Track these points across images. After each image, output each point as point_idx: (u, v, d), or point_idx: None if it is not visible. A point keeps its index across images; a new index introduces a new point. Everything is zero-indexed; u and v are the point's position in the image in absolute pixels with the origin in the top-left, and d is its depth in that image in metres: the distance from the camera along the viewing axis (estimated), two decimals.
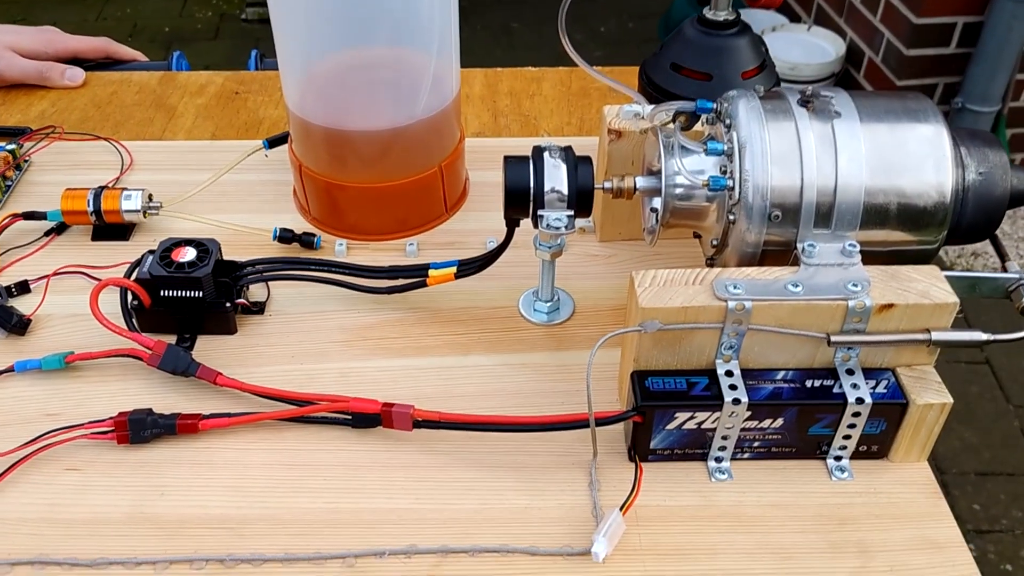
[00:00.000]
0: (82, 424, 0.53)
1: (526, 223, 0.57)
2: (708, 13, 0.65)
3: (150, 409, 0.54)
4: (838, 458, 0.53)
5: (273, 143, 0.72)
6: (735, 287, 0.49)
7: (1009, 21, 1.88)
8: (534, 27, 2.74)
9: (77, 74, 0.87)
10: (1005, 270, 0.53)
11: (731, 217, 0.52)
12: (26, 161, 0.75)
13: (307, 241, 0.66)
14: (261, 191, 0.73)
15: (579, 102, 0.86)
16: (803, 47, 2.20)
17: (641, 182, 0.55)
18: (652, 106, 0.61)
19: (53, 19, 2.71)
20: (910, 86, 2.04)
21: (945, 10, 1.93)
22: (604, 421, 0.50)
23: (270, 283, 0.63)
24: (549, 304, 0.62)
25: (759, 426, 0.51)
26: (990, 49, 1.94)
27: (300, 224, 0.69)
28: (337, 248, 0.67)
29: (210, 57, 2.57)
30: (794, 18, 2.42)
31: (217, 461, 0.53)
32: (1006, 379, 1.71)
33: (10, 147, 0.73)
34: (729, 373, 0.51)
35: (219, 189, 0.70)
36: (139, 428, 0.53)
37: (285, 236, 0.66)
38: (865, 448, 0.52)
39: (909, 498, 0.51)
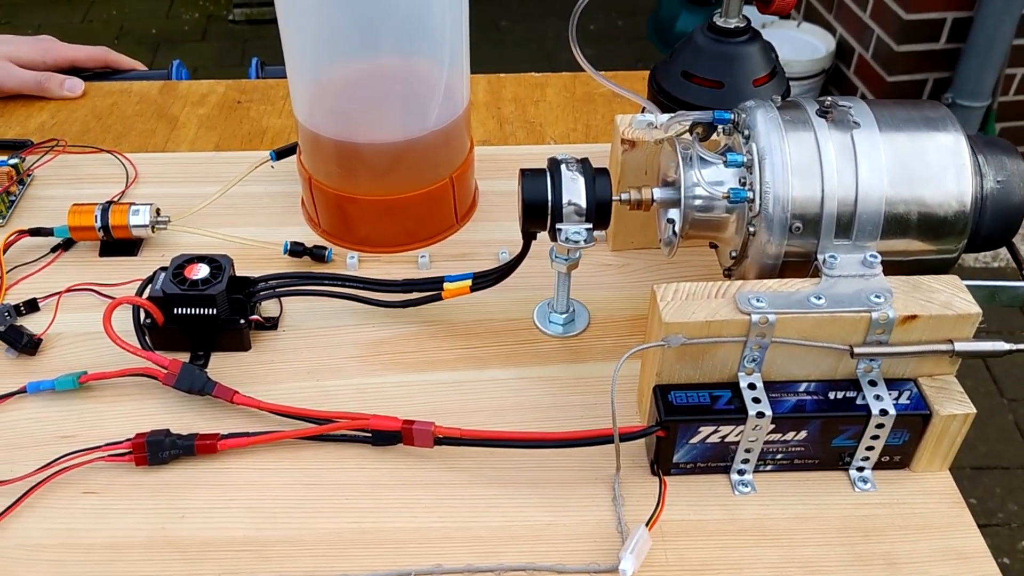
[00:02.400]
0: (99, 446, 0.52)
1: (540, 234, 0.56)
2: (718, 20, 0.64)
3: (168, 430, 0.53)
4: (860, 469, 0.53)
5: (280, 154, 0.71)
6: (758, 300, 0.49)
7: (998, 16, 1.89)
8: (523, 24, 2.73)
9: (76, 84, 0.86)
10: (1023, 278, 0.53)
11: (751, 229, 0.52)
12: (29, 176, 0.74)
13: (318, 254, 0.66)
14: (269, 203, 0.72)
15: (584, 108, 0.85)
16: (793, 44, 2.21)
17: (659, 194, 0.55)
18: (666, 116, 0.60)
19: (38, 22, 2.69)
20: (900, 82, 2.05)
21: (935, 6, 1.94)
22: (628, 436, 0.50)
23: (283, 298, 0.62)
24: (564, 316, 0.62)
25: (782, 438, 0.51)
26: (980, 44, 1.95)
27: (309, 237, 0.69)
28: (349, 261, 0.66)
29: (198, 59, 2.55)
30: (783, 16, 2.42)
31: (237, 482, 0.52)
32: (1000, 374, 1.72)
33: (13, 161, 0.72)
34: (752, 386, 0.50)
35: (226, 202, 0.69)
36: (157, 450, 0.52)
37: (296, 250, 0.66)
38: (887, 459, 0.52)
39: (932, 508, 0.51)
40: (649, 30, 2.65)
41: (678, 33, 2.51)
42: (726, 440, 0.51)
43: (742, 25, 0.64)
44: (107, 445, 0.52)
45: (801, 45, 2.21)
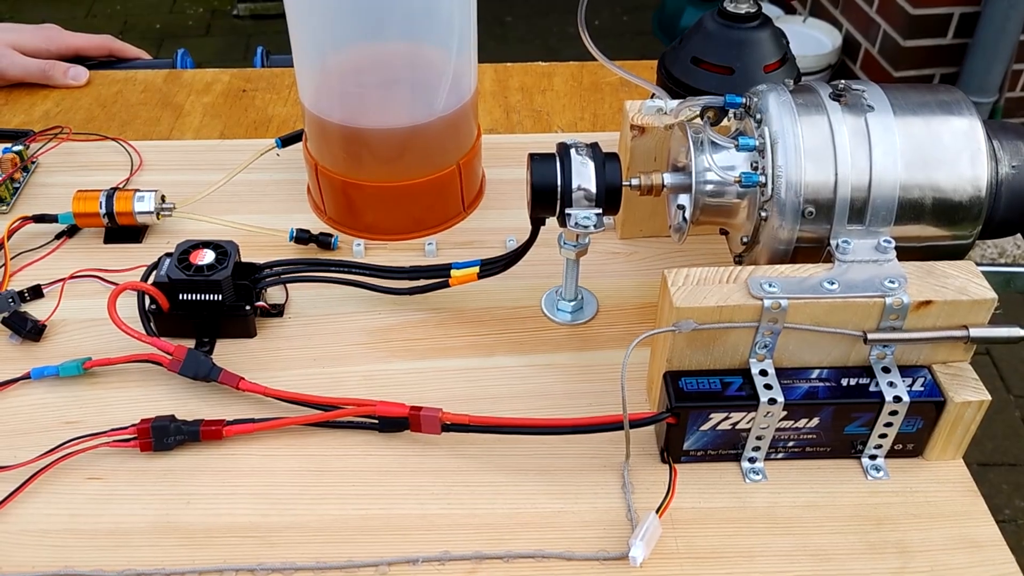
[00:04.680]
0: (103, 432, 0.52)
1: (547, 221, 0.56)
2: (729, 5, 0.64)
3: (173, 416, 0.52)
4: (873, 457, 0.52)
5: (286, 142, 0.71)
6: (770, 285, 0.48)
7: (1006, 11, 1.88)
8: (527, 20, 2.73)
9: (80, 73, 0.85)
10: None
11: (763, 214, 0.51)
12: (33, 163, 0.74)
13: (324, 241, 0.65)
14: (274, 191, 0.72)
15: (591, 97, 0.85)
16: (799, 39, 2.20)
17: (669, 179, 0.55)
18: (675, 101, 0.60)
19: (41, 16, 2.69)
20: (907, 77, 2.04)
21: (942, 0, 1.93)
22: (639, 423, 0.50)
23: (288, 285, 0.62)
24: (573, 303, 0.61)
25: (794, 426, 0.50)
26: (987, 39, 1.94)
27: (315, 224, 0.68)
28: (355, 248, 0.66)
29: (202, 54, 2.54)
30: (789, 10, 2.41)
31: (242, 468, 0.52)
32: (1007, 370, 1.71)
33: (17, 148, 0.71)
34: (764, 372, 0.50)
35: (231, 189, 0.69)
36: (163, 435, 0.51)
37: (302, 237, 0.65)
38: (900, 447, 0.51)
39: (946, 497, 0.50)
40: (654, 26, 2.64)
41: (683, 28, 2.50)
42: (737, 427, 0.50)
43: (753, 10, 0.64)
44: (112, 431, 0.52)
45: (807, 40, 2.20)
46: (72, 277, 0.62)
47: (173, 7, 2.79)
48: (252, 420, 0.53)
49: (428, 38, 0.62)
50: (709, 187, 0.53)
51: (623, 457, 0.51)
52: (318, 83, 0.64)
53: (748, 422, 0.50)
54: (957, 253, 0.52)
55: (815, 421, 0.50)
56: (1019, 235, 0.54)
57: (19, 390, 0.56)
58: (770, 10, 2.30)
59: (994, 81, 1.98)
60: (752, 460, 0.52)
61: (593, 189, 0.53)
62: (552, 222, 0.56)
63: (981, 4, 1.92)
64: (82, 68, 0.86)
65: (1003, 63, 1.95)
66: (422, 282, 0.60)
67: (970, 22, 1.95)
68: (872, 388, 0.49)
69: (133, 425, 0.52)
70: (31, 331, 0.58)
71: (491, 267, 0.59)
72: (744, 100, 0.54)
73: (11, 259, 0.64)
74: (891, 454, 0.52)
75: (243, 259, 0.60)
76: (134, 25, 2.68)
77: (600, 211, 0.54)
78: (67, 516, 0.49)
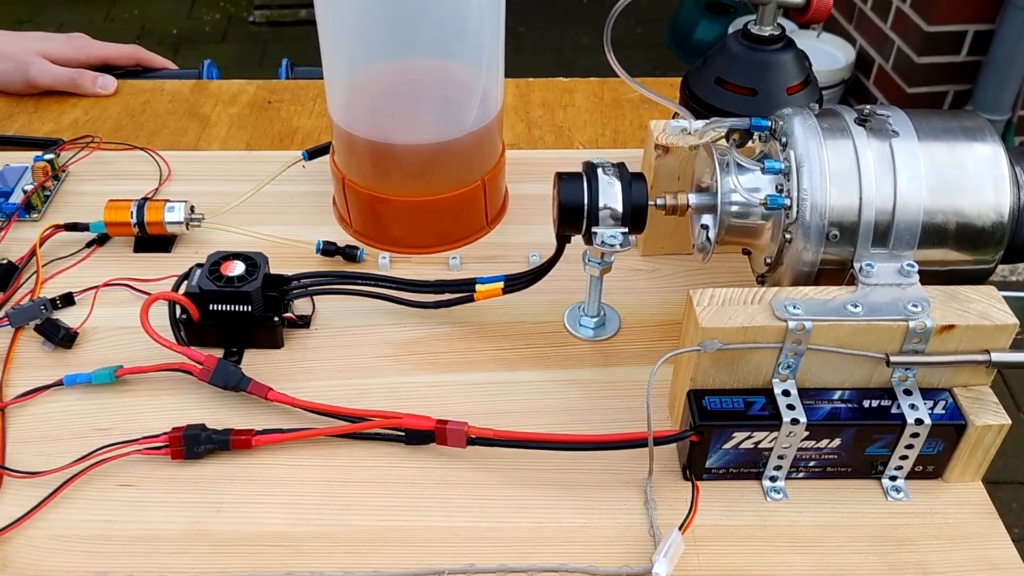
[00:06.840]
0: (136, 440, 0.53)
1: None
2: (753, 28, 0.65)
3: (204, 424, 0.53)
4: (893, 478, 0.52)
5: (312, 154, 0.72)
6: (795, 307, 0.49)
7: (1020, 29, 1.88)
8: (541, 31, 2.74)
9: (109, 82, 0.86)
10: None
11: (787, 236, 0.52)
12: (64, 171, 0.75)
13: (350, 254, 0.66)
14: (300, 203, 0.73)
15: (612, 113, 0.86)
16: (813, 54, 2.18)
17: (695, 199, 0.55)
18: (700, 121, 0.60)
19: (60, 20, 2.71)
20: (920, 94, 2.05)
21: (956, 18, 1.94)
22: (663, 440, 0.50)
23: (315, 297, 0.63)
24: (595, 320, 0.62)
25: (816, 446, 0.51)
26: (1001, 57, 1.94)
27: (340, 236, 0.69)
28: (380, 261, 0.67)
29: (217, 60, 2.54)
30: (803, 25, 2.42)
31: (271, 477, 0.53)
32: (1017, 387, 1.71)
33: (49, 157, 0.72)
34: (786, 393, 0.50)
35: (258, 200, 0.70)
36: (193, 444, 0.52)
37: (328, 249, 0.66)
38: (920, 468, 0.52)
39: (966, 519, 0.51)
40: (667, 38, 2.65)
41: (696, 41, 2.51)
42: (759, 446, 0.51)
43: (776, 33, 0.65)
44: (144, 438, 0.53)
45: (821, 55, 2.21)
46: (106, 285, 0.63)
47: (190, 13, 2.81)
48: (281, 430, 0.54)
49: (458, 55, 0.63)
50: (734, 208, 0.54)
51: (646, 473, 0.52)
52: (348, 98, 0.65)
53: (770, 441, 0.50)
54: (979, 277, 0.53)
55: (836, 442, 0.51)
56: None
57: (52, 397, 0.57)
58: (783, 24, 2.31)
59: (1007, 99, 1.98)
60: (773, 479, 0.52)
61: (620, 208, 0.54)
62: (575, 238, 0.56)
63: (996, 22, 1.92)
64: (111, 77, 0.87)
65: (1016, 81, 1.96)
66: (447, 296, 0.61)
67: (984, 40, 1.95)
68: (894, 410, 0.50)
69: (165, 433, 0.53)
70: (63, 338, 0.59)
71: (515, 283, 0.60)
72: (769, 123, 0.55)
73: (43, 266, 0.65)
74: (911, 475, 0.52)
75: (271, 270, 0.61)
76: (151, 30, 2.71)
77: (626, 230, 0.54)
78: (99, 522, 0.50)
